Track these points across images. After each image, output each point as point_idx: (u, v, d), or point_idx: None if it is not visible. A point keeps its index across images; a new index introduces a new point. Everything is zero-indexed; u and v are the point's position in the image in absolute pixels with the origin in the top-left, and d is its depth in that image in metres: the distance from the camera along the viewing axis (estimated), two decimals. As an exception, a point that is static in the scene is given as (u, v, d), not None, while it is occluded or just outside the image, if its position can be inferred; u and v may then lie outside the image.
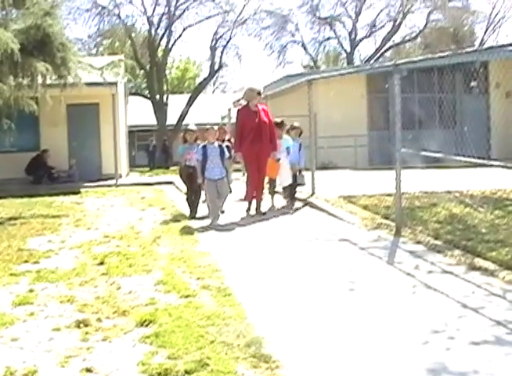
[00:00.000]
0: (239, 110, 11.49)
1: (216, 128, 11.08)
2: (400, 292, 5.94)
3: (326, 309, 5.45)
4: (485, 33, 44.80)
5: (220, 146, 10.57)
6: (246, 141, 10.93)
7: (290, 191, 11.74)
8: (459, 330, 4.77)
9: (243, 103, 11.65)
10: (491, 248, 7.30)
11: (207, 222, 10.22)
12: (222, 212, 10.60)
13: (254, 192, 11.20)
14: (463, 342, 4.52)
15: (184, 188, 12.11)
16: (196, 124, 12.21)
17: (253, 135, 10.90)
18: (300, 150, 11.86)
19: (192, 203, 11.25)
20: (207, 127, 10.83)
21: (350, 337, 4.70)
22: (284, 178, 11.61)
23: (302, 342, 4.62)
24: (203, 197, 11.05)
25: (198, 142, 11.12)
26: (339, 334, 4.77)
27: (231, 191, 11.98)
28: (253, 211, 11.12)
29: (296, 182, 11.76)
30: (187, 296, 5.85)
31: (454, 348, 4.43)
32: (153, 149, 36.51)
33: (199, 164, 10.37)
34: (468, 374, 4.05)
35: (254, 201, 11.21)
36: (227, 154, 10.72)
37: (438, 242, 7.99)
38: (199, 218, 10.74)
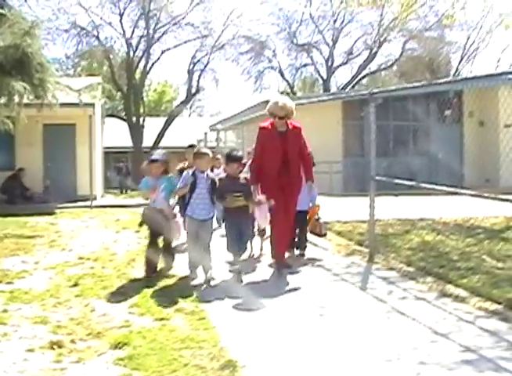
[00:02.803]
0: (260, 129, 8.13)
1: (210, 154, 7.99)
2: (372, 318, 6.00)
3: (298, 333, 5.48)
4: (460, 63, 45.55)
5: (210, 177, 7.73)
6: (269, 172, 7.91)
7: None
8: (429, 355, 4.84)
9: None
10: (462, 275, 7.42)
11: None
12: (212, 279, 7.54)
13: (282, 245, 8.19)
14: (433, 367, 4.58)
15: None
16: (165, 152, 8.61)
17: (277, 164, 7.87)
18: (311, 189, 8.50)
19: (154, 260, 7.91)
20: (202, 151, 7.96)
21: (321, 361, 4.74)
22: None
23: (274, 366, 4.65)
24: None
25: (170, 174, 8.32)
26: (310, 358, 4.80)
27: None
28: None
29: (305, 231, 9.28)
30: (161, 319, 5.86)
31: (424, 371, 4.49)
32: (126, 171, 36.14)
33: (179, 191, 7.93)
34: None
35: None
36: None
37: (411, 269, 8.11)
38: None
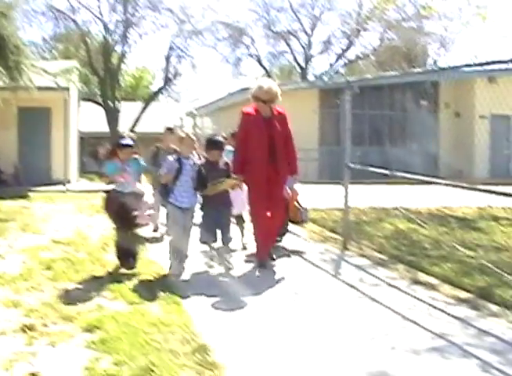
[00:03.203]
0: (244, 114, 7.70)
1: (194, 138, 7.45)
2: (343, 304, 6.06)
3: (270, 319, 5.52)
4: (437, 54, 45.73)
5: (197, 165, 7.23)
6: (254, 161, 7.46)
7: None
8: (400, 340, 4.90)
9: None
10: (434, 264, 7.51)
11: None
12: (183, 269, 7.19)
13: (266, 241, 7.72)
14: (403, 353, 4.64)
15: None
16: (133, 136, 8.23)
17: (263, 152, 7.41)
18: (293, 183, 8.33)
19: (127, 250, 7.39)
20: (184, 135, 7.37)
21: (292, 345, 4.78)
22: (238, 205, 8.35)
23: (245, 349, 4.68)
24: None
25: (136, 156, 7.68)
26: (280, 341, 4.84)
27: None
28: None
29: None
30: (134, 303, 5.87)
31: (394, 356, 4.55)
32: (103, 155, 35.70)
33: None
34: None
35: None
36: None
37: (384, 256, 8.19)
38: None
